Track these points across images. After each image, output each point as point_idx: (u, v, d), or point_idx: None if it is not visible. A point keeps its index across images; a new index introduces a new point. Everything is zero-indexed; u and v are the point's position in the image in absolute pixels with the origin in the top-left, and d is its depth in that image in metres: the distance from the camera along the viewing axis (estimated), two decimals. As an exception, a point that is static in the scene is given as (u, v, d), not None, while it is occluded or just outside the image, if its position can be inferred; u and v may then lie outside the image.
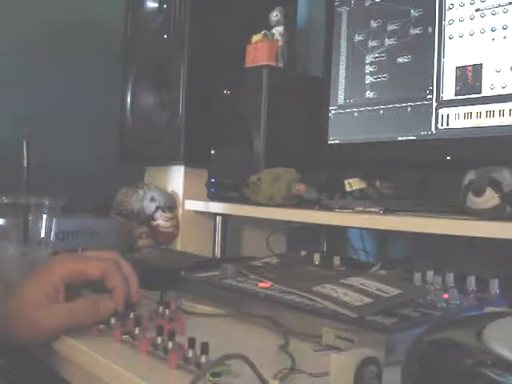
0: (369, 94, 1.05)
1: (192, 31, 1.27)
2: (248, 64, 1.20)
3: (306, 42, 1.50)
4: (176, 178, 1.33)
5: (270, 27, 1.23)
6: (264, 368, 0.49)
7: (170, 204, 1.29)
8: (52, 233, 0.84)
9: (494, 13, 0.87)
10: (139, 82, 1.40)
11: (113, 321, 0.63)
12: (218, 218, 1.23)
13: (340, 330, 0.59)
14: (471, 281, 0.73)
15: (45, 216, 0.83)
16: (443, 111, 0.92)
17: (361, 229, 1.22)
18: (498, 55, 0.85)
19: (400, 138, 0.99)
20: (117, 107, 1.45)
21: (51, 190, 0.83)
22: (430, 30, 0.95)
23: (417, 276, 0.76)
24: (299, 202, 1.04)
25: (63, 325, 0.62)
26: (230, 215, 1.19)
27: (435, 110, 0.94)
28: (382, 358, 0.46)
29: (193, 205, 1.27)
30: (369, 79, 1.05)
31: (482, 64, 0.87)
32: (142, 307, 0.68)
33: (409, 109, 0.98)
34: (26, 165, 0.85)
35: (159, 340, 0.56)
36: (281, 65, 1.20)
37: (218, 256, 1.23)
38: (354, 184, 1.01)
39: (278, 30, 1.22)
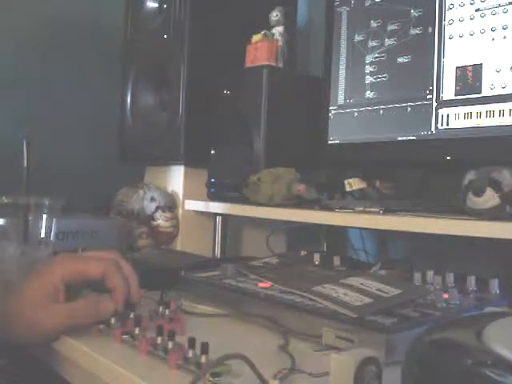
0: (369, 94, 1.05)
1: (192, 31, 1.27)
2: (248, 64, 1.20)
3: (305, 42, 1.50)
4: (176, 178, 1.33)
5: (270, 27, 1.23)
6: (264, 368, 0.49)
7: (170, 204, 1.29)
8: (52, 233, 0.84)
9: (493, 13, 0.87)
10: (139, 82, 1.40)
11: (113, 321, 0.63)
12: (218, 218, 1.23)
13: (340, 329, 0.59)
14: (471, 281, 0.73)
15: (45, 216, 0.83)
16: (443, 111, 0.92)
17: (361, 229, 1.22)
18: (498, 55, 0.85)
19: (400, 138, 0.99)
20: (117, 107, 1.45)
21: (51, 190, 0.83)
22: (430, 30, 0.95)
23: (417, 276, 0.76)
24: (299, 202, 1.04)
25: (63, 325, 0.62)
26: (230, 215, 1.19)
27: (435, 110, 0.94)
28: (382, 358, 0.46)
29: (193, 205, 1.27)
30: (369, 79, 1.05)
31: (481, 64, 0.87)
32: (142, 307, 0.68)
33: (409, 109, 0.98)
34: (26, 165, 0.85)
35: (159, 340, 0.56)
36: (281, 65, 1.20)
37: (218, 256, 1.23)
38: (354, 184, 1.01)
39: (277, 30, 1.22)
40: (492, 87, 0.86)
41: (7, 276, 0.78)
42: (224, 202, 1.17)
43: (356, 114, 1.07)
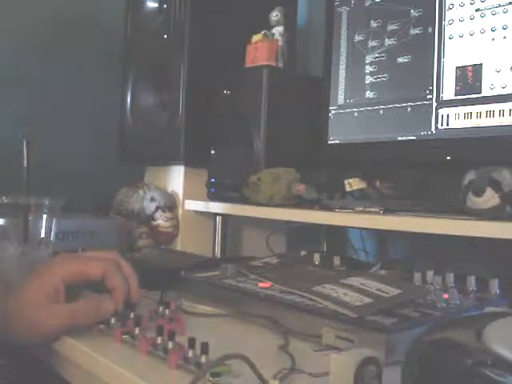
0: (369, 94, 1.05)
1: (192, 31, 1.27)
2: (248, 64, 1.20)
3: (306, 42, 1.50)
4: (176, 178, 1.33)
5: (270, 27, 1.23)
6: (264, 368, 0.49)
7: (170, 204, 1.29)
8: (52, 233, 0.84)
9: (493, 13, 0.87)
10: (139, 82, 1.40)
11: (113, 321, 0.63)
12: (218, 218, 1.23)
13: (340, 329, 0.59)
14: (471, 281, 0.73)
15: (45, 216, 0.83)
16: (443, 111, 0.92)
17: (361, 229, 1.22)
18: (498, 55, 0.85)
19: (400, 138, 0.99)
20: (117, 107, 1.45)
21: (51, 190, 0.83)
22: (430, 30, 0.95)
23: (417, 276, 0.76)
24: (299, 202, 1.04)
25: (63, 325, 0.62)
26: (230, 215, 1.19)
27: (435, 109, 0.94)
28: (382, 358, 0.46)
29: (193, 205, 1.27)
30: (369, 79, 1.05)
31: (481, 64, 0.87)
32: (142, 307, 0.68)
33: (409, 109, 0.98)
34: (26, 165, 0.85)
35: (159, 340, 0.56)
36: (281, 65, 1.20)
37: (218, 256, 1.23)
38: (354, 184, 1.01)
39: (278, 30, 1.22)
40: (492, 87, 0.86)
41: (7, 276, 0.78)
42: (224, 202, 1.17)
43: (356, 113, 1.07)
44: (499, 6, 0.86)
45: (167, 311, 0.68)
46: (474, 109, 0.88)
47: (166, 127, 1.30)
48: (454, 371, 0.34)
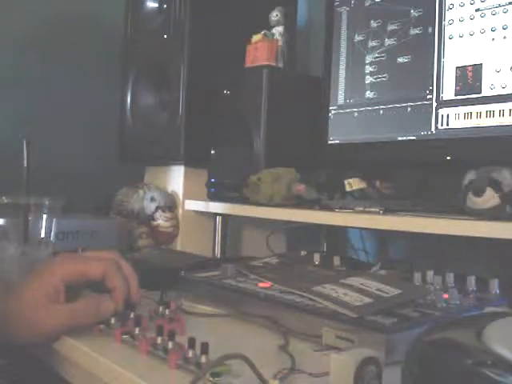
0: (369, 94, 1.05)
1: (192, 31, 1.27)
2: (248, 64, 1.20)
3: (306, 42, 1.50)
4: (176, 178, 1.33)
5: (270, 27, 1.23)
6: (264, 368, 0.49)
7: (170, 204, 1.29)
8: (52, 233, 0.84)
9: (493, 13, 0.87)
10: (139, 82, 1.40)
11: (113, 321, 0.63)
12: (218, 218, 1.23)
13: (340, 329, 0.59)
14: (471, 281, 0.73)
15: (45, 216, 0.83)
16: (443, 111, 0.92)
17: (361, 229, 1.22)
18: (498, 55, 0.85)
19: (400, 138, 0.99)
20: (117, 107, 1.45)
21: (51, 190, 0.83)
22: (430, 30, 0.95)
23: (417, 276, 0.76)
24: (299, 202, 1.04)
25: (64, 325, 0.62)
26: (230, 215, 1.19)
27: (435, 109, 0.94)
28: (382, 358, 0.46)
29: (193, 205, 1.27)
30: (369, 79, 1.05)
31: (481, 64, 0.87)
32: (142, 307, 0.68)
33: (409, 109, 0.98)
34: (26, 165, 0.85)
35: (159, 340, 0.56)
36: (281, 65, 1.20)
37: (218, 256, 1.23)
38: (354, 184, 1.01)
39: (278, 30, 1.22)
40: (492, 87, 0.86)
41: (7, 276, 0.78)
42: (224, 202, 1.17)
43: (356, 113, 1.07)
44: (499, 6, 0.86)
45: (167, 311, 0.68)
46: (474, 109, 0.88)
47: (166, 127, 1.30)
48: (454, 371, 0.34)
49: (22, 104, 1.51)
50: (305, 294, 0.67)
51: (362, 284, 0.69)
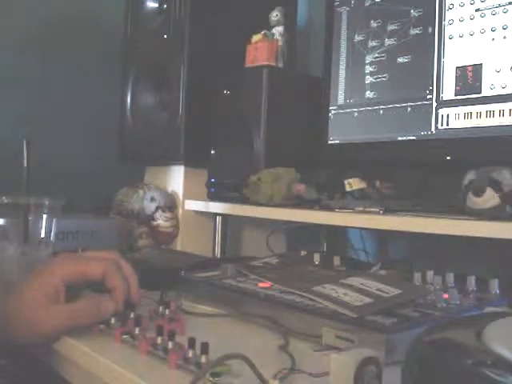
0: (369, 94, 1.05)
1: (192, 31, 1.27)
2: (248, 64, 1.20)
3: (306, 42, 1.50)
4: (176, 178, 1.33)
5: (270, 27, 1.23)
6: (264, 368, 0.49)
7: (170, 204, 1.29)
8: (52, 233, 0.84)
9: (493, 13, 0.87)
10: (139, 82, 1.40)
11: (113, 321, 0.63)
12: (218, 218, 1.23)
13: (340, 329, 0.59)
14: (471, 281, 0.73)
15: (45, 216, 0.83)
16: (443, 111, 0.92)
17: (361, 229, 1.22)
18: (498, 55, 0.85)
19: (400, 138, 0.99)
20: (117, 107, 1.45)
21: (51, 190, 0.83)
22: (430, 30, 0.95)
23: (417, 276, 0.76)
24: (299, 202, 1.04)
25: (64, 325, 0.62)
26: (230, 215, 1.19)
27: (435, 110, 0.94)
28: (382, 358, 0.46)
29: (193, 205, 1.27)
30: (369, 79, 1.05)
31: (481, 64, 0.87)
32: (142, 307, 0.68)
33: (409, 109, 0.98)
34: (26, 165, 0.85)
35: (159, 340, 0.56)
36: (281, 65, 1.20)
37: (218, 256, 1.23)
38: (354, 184, 1.01)
39: (278, 30, 1.22)
40: (492, 87, 0.86)
41: (7, 276, 0.78)
42: (224, 202, 1.17)
43: (356, 113, 1.07)
44: (499, 5, 0.86)
45: (167, 311, 0.68)
46: (474, 109, 0.88)
47: (166, 127, 1.30)
48: (454, 371, 0.34)
49: (22, 104, 1.51)
50: (305, 294, 0.67)
51: (362, 284, 0.69)
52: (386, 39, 1.02)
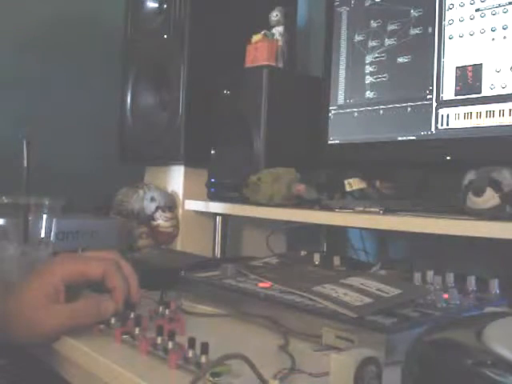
0: (369, 94, 1.05)
1: (192, 31, 1.27)
2: (248, 64, 1.20)
3: (306, 42, 1.50)
4: (176, 178, 1.33)
5: (270, 27, 1.23)
6: (264, 368, 0.49)
7: (170, 204, 1.29)
8: (52, 233, 0.84)
9: (493, 13, 0.87)
10: (139, 82, 1.40)
11: (113, 321, 0.63)
12: (218, 218, 1.23)
13: (340, 329, 0.59)
14: (471, 281, 0.73)
15: (45, 216, 0.83)
16: (443, 111, 0.92)
17: (361, 229, 1.22)
18: (498, 55, 0.85)
19: (400, 138, 0.99)
20: (117, 107, 1.45)
21: (51, 190, 0.83)
22: (430, 30, 0.95)
23: (417, 276, 0.76)
24: (299, 202, 1.04)
25: (64, 325, 0.62)
26: (230, 215, 1.19)
27: (435, 109, 0.94)
28: (382, 358, 0.46)
29: (193, 205, 1.27)
30: (369, 79, 1.05)
31: (481, 64, 0.87)
32: (142, 307, 0.68)
33: (409, 109, 0.98)
34: (26, 165, 0.85)
35: (159, 340, 0.56)
36: (281, 65, 1.20)
37: (218, 256, 1.23)
38: (354, 184, 1.01)
39: (278, 30, 1.22)
40: (492, 87, 0.86)
41: (7, 276, 0.78)
42: (224, 202, 1.17)
43: (356, 113, 1.07)
44: (499, 5, 0.86)
45: (167, 311, 0.68)
46: (474, 109, 0.88)
47: (166, 127, 1.30)
48: (454, 371, 0.34)
49: (22, 104, 1.51)
50: (305, 294, 0.67)
51: (362, 284, 0.69)
52: (386, 39, 1.02)
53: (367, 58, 1.06)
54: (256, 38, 1.20)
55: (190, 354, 0.52)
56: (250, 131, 1.14)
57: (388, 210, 0.89)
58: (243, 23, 1.28)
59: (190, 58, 1.26)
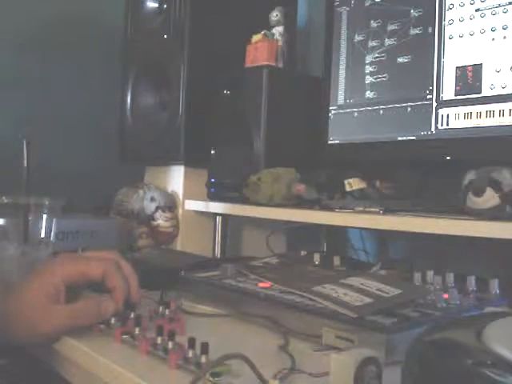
0: (369, 94, 1.05)
1: (192, 31, 1.27)
2: (248, 64, 1.20)
3: (306, 42, 1.50)
4: (176, 178, 1.33)
5: (270, 27, 1.23)
6: (264, 368, 0.49)
7: (170, 204, 1.29)
8: (52, 233, 0.84)
9: (493, 13, 0.87)
10: (139, 82, 1.40)
11: (113, 321, 0.63)
12: (218, 218, 1.23)
13: (340, 329, 0.59)
14: (471, 281, 0.73)
15: (45, 216, 0.83)
16: (443, 111, 0.92)
17: (361, 229, 1.22)
18: (498, 55, 0.85)
19: (400, 138, 0.99)
20: (117, 107, 1.45)
21: (51, 190, 0.83)
22: (430, 30, 0.95)
23: (417, 276, 0.76)
24: (299, 202, 1.04)
25: (64, 326, 0.62)
26: (230, 215, 1.19)
27: (435, 109, 0.94)
28: (382, 358, 0.46)
29: (193, 205, 1.27)
30: (369, 79, 1.05)
31: (481, 64, 0.87)
32: (142, 307, 0.68)
33: (409, 109, 0.98)
34: (26, 165, 0.85)
35: (159, 340, 0.56)
36: (281, 65, 1.20)
37: (218, 256, 1.23)
38: (354, 184, 1.01)
39: (278, 30, 1.22)
40: (492, 87, 0.86)
41: (7, 276, 0.78)
42: (224, 202, 1.17)
43: (356, 114, 1.07)
44: (499, 5, 0.86)
45: (167, 311, 0.68)
46: (474, 109, 0.88)
47: (166, 127, 1.30)
48: (454, 371, 0.34)
49: (22, 104, 1.51)
50: (305, 294, 0.67)
51: (362, 284, 0.69)
52: (386, 39, 1.02)
53: (367, 58, 1.06)
54: (256, 37, 1.20)
55: (190, 354, 0.52)
56: (250, 131, 1.14)
57: (388, 210, 0.89)
58: (243, 23, 1.28)
59: (190, 58, 1.26)
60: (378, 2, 1.05)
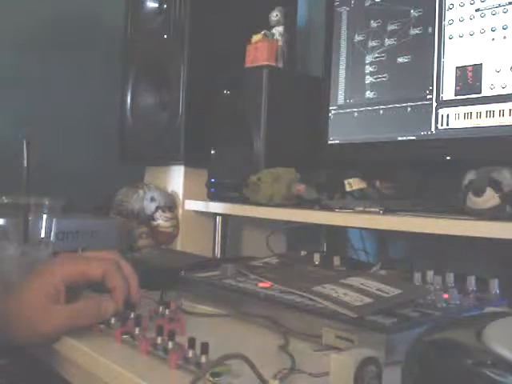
0: (369, 94, 1.05)
1: (192, 31, 1.27)
2: (248, 64, 1.20)
3: (306, 42, 1.50)
4: (176, 178, 1.33)
5: (270, 27, 1.23)
6: (264, 368, 0.49)
7: (170, 204, 1.29)
8: (52, 233, 0.84)
9: (493, 13, 0.87)
10: (139, 82, 1.40)
11: (113, 321, 0.63)
12: (218, 218, 1.23)
13: (340, 329, 0.59)
14: (471, 281, 0.73)
15: (45, 216, 0.83)
16: (443, 111, 0.92)
17: (361, 229, 1.22)
18: (498, 55, 0.85)
19: (400, 138, 0.99)
20: (117, 107, 1.45)
21: (51, 190, 0.83)
22: (430, 30, 0.95)
23: (417, 276, 0.76)
24: (299, 202, 1.04)
25: (64, 326, 0.62)
26: (230, 215, 1.19)
27: (435, 109, 0.94)
28: (382, 358, 0.46)
29: (193, 205, 1.27)
30: (369, 79, 1.05)
31: (481, 64, 0.87)
32: (142, 307, 0.68)
33: (409, 109, 0.98)
34: (26, 165, 0.85)
35: (159, 340, 0.56)
36: (281, 65, 1.20)
37: (218, 256, 1.23)
38: (354, 184, 1.01)
39: (278, 30, 1.22)
40: (492, 87, 0.86)
41: (7, 276, 0.78)
42: (224, 202, 1.17)
43: (356, 114, 1.07)
44: (499, 5, 0.86)
45: (167, 311, 0.68)
46: (474, 109, 0.88)
47: (166, 127, 1.30)
48: (454, 371, 0.34)
49: (22, 104, 1.51)
50: (305, 294, 0.67)
51: (362, 284, 0.69)
52: (386, 39, 1.02)
53: (367, 57, 1.06)
54: (256, 37, 1.20)
55: (190, 354, 0.52)
56: (250, 131, 1.14)
57: (388, 210, 0.89)
58: (243, 23, 1.28)
59: (190, 58, 1.26)
60: (378, 1, 1.05)
